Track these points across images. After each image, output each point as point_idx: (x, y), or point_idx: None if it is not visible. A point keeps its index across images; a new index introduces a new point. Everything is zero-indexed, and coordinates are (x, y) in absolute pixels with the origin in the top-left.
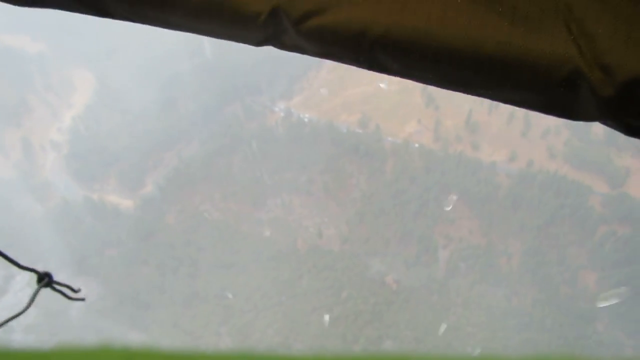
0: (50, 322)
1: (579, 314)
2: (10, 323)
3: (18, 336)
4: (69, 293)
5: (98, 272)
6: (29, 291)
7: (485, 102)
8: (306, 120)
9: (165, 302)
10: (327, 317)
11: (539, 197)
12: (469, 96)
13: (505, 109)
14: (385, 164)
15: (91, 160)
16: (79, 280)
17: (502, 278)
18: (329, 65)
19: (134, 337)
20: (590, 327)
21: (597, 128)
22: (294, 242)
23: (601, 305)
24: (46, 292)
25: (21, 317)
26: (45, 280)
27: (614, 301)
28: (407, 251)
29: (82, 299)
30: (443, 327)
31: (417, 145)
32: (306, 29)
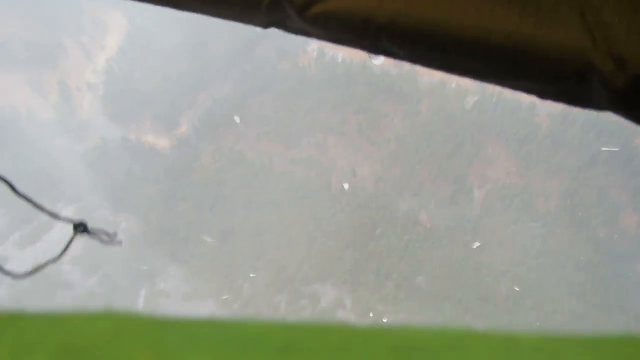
0: (95, 255)
1: (617, 255)
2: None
3: (67, 268)
4: (106, 238)
5: (138, 209)
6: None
7: None
8: (340, 60)
9: (203, 238)
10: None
11: (580, 137)
12: None
13: None
14: (421, 105)
15: (127, 101)
16: (120, 217)
17: (538, 218)
18: None
19: (174, 271)
20: (629, 267)
21: None
22: (327, 180)
23: None
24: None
25: (70, 251)
26: (80, 228)
27: None
28: (441, 191)
29: (119, 243)
30: (471, 262)
31: (453, 85)
32: (310, 16)
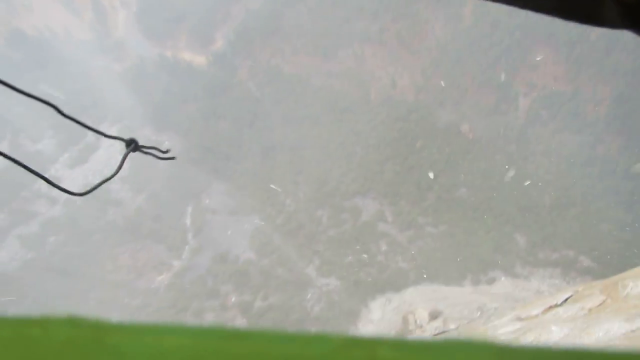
0: (142, 172)
1: None
2: (108, 174)
3: (116, 186)
4: (159, 154)
5: (179, 127)
6: (119, 146)
7: None
8: None
9: (244, 154)
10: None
11: (634, 39)
12: None
13: None
14: (464, 8)
15: (160, 17)
16: (162, 136)
17: (587, 125)
18: None
19: (218, 187)
20: None
21: None
22: (366, 93)
23: None
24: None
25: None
26: (132, 145)
27: None
28: (484, 100)
29: (173, 158)
30: (511, 173)
31: None
32: None
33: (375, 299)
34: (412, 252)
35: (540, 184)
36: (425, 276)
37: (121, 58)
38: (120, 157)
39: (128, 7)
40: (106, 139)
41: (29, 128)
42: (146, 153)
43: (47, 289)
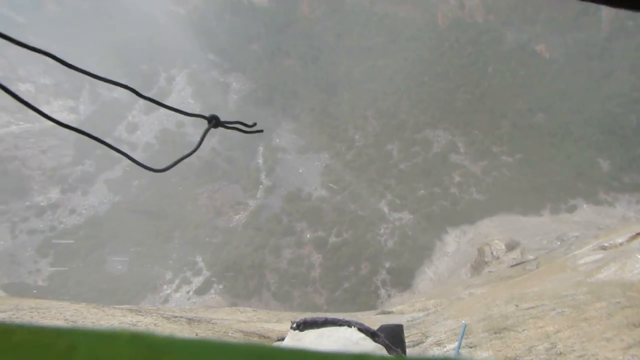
0: (212, 112)
1: None
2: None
3: (190, 130)
4: (244, 128)
5: (245, 67)
6: (189, 90)
7: None
8: None
9: (311, 91)
10: None
11: None
12: None
13: None
14: None
15: None
16: (229, 77)
17: None
18: None
19: (287, 126)
20: None
21: None
22: (433, 17)
23: None
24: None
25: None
26: (213, 122)
27: None
28: (561, 15)
29: (261, 131)
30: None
31: None
32: None
33: (449, 232)
34: (487, 183)
35: (626, 102)
36: (501, 206)
37: (184, 1)
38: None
39: None
40: (176, 85)
41: (104, 77)
42: (230, 128)
43: (134, 229)
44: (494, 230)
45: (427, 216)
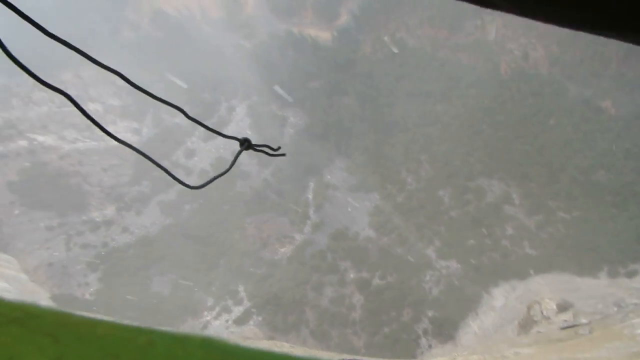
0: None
1: None
2: (237, 148)
3: (244, 160)
4: (270, 151)
5: (304, 102)
6: (248, 121)
7: None
8: None
9: (366, 130)
10: None
11: None
12: None
13: None
14: None
15: None
16: (287, 111)
17: None
18: None
19: (340, 163)
20: None
21: None
22: (495, 66)
23: None
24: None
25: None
26: (245, 144)
27: None
28: (630, 72)
29: (283, 155)
30: None
31: None
32: None
33: (498, 286)
34: (541, 238)
35: None
36: (554, 264)
37: (251, 35)
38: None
39: None
40: (236, 115)
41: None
42: (258, 151)
43: (182, 252)
44: (545, 289)
45: (476, 267)
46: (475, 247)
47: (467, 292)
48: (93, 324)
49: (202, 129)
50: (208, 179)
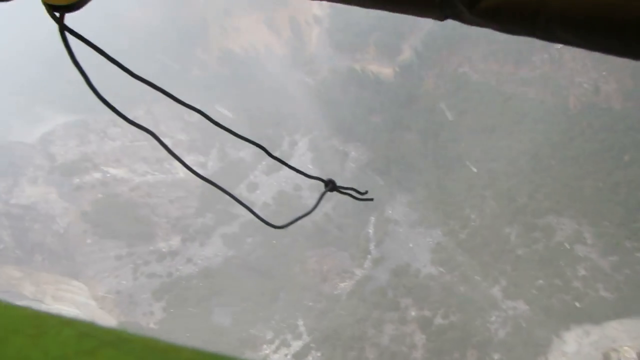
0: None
1: None
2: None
3: (306, 193)
4: (357, 195)
5: (365, 138)
6: (309, 155)
7: None
8: None
9: (428, 165)
10: None
11: None
12: None
13: None
14: None
15: (350, 31)
16: (348, 146)
17: None
18: None
19: (402, 198)
20: None
21: None
22: (564, 100)
23: None
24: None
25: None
26: (329, 186)
27: None
28: None
29: (371, 199)
30: None
31: None
32: (479, 10)
33: (570, 330)
34: (617, 280)
35: None
36: (633, 309)
37: (313, 71)
38: (312, 173)
39: (321, 23)
40: (298, 149)
41: (233, 139)
42: (343, 193)
43: (243, 284)
44: (623, 335)
45: (545, 309)
46: (545, 288)
47: (536, 335)
48: (177, 350)
49: (265, 161)
50: (292, 219)
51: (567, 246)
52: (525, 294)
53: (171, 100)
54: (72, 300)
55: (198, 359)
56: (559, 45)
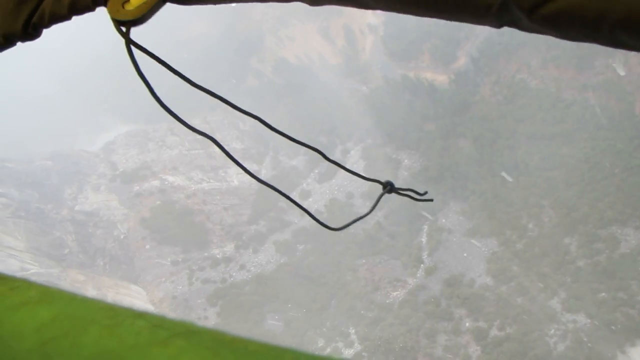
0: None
1: None
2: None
3: (358, 201)
4: (415, 195)
5: (418, 145)
6: (362, 163)
7: None
8: None
9: (484, 174)
10: None
11: None
12: None
13: None
14: None
15: (405, 39)
16: (401, 154)
17: None
18: None
19: (455, 207)
20: None
21: None
22: (629, 106)
23: None
24: None
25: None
26: (387, 187)
27: None
28: None
29: (431, 200)
30: None
31: None
32: (539, 16)
33: (636, 346)
34: None
35: None
36: None
37: (367, 80)
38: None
39: (375, 32)
40: (350, 157)
41: (286, 147)
42: (402, 194)
43: (295, 291)
44: None
45: (608, 323)
46: (608, 301)
47: (599, 350)
48: (244, 342)
49: (317, 169)
50: (349, 221)
51: (632, 258)
52: (587, 307)
53: (226, 110)
54: (131, 304)
55: (263, 351)
56: (624, 51)
